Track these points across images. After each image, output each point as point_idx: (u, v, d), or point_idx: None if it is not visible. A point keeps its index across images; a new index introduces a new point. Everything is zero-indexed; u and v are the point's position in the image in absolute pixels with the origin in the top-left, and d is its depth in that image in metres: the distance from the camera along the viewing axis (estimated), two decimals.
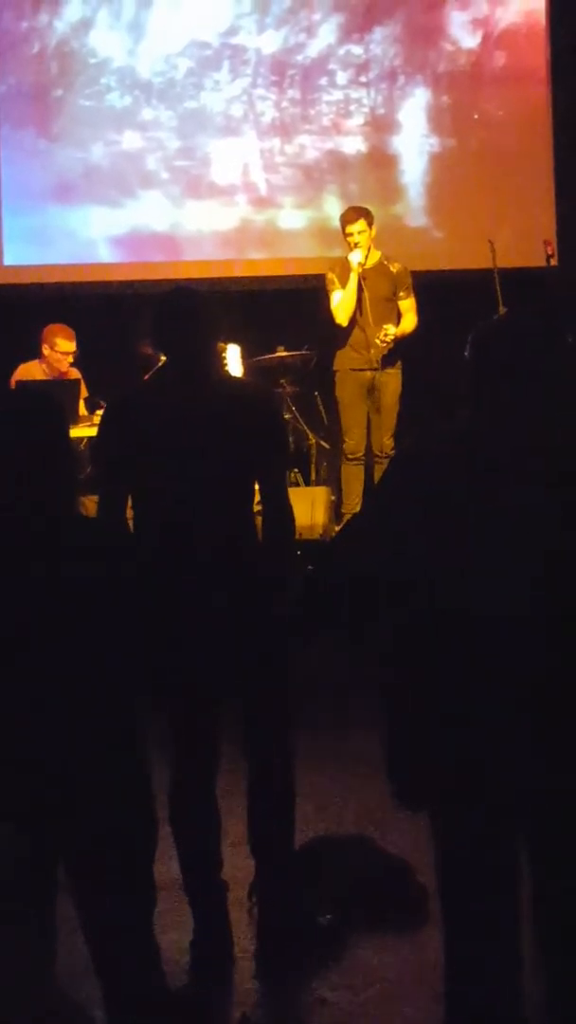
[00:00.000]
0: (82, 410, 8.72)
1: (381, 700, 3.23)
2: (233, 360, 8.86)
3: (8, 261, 10.64)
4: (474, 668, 3.07)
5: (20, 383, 8.70)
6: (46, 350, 8.97)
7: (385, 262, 8.88)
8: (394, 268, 8.88)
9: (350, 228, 8.77)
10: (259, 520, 4.40)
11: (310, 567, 3.92)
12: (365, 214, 8.83)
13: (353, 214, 8.86)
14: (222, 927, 4.41)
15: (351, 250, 8.73)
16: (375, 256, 8.85)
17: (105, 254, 10.71)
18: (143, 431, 4.25)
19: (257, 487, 4.39)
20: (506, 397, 3.17)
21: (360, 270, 8.67)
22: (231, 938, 4.42)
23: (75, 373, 9.10)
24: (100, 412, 5.45)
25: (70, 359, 8.98)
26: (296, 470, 9.24)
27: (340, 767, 5.74)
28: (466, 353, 3.25)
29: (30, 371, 8.92)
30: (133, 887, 3.22)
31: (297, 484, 9.06)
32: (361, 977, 4.27)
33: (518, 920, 3.19)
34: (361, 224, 8.74)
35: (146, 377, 6.00)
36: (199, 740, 4.36)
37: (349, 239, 8.77)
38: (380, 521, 3.29)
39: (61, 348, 8.92)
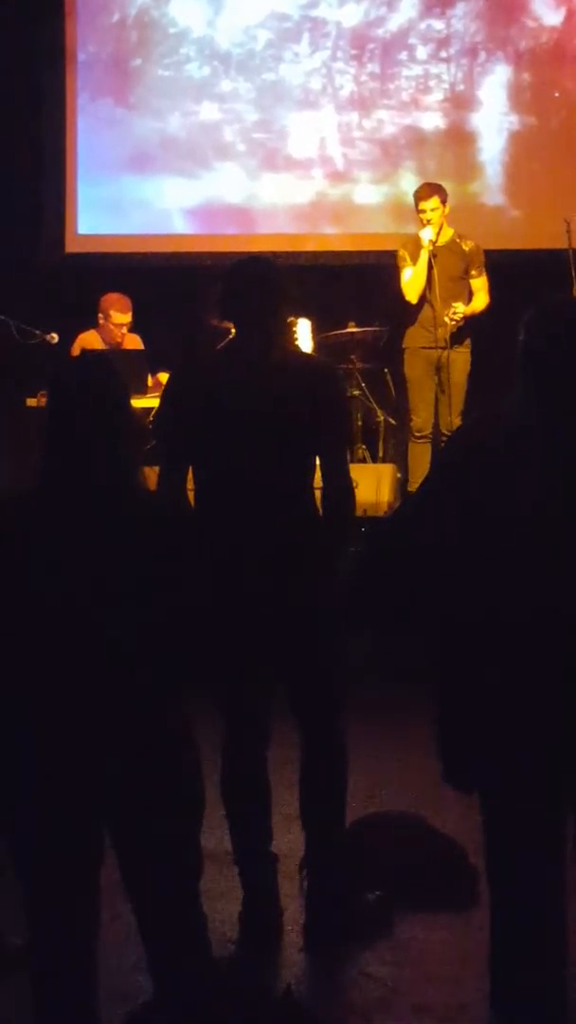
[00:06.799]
0: (149, 381, 8.71)
1: (431, 682, 3.23)
2: (303, 334, 8.84)
3: (82, 230, 10.66)
4: (522, 648, 3.07)
5: (83, 351, 8.71)
6: (101, 320, 8.99)
7: (458, 240, 8.82)
8: (467, 246, 8.83)
9: (423, 205, 8.73)
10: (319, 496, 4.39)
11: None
12: (439, 191, 8.78)
13: (427, 190, 8.82)
14: (271, 899, 4.44)
15: (423, 227, 8.70)
16: (448, 234, 8.79)
17: (179, 225, 10.71)
18: (204, 403, 4.24)
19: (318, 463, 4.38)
20: (550, 378, 3.15)
21: (431, 247, 8.63)
22: (279, 910, 4.45)
23: (134, 342, 9.07)
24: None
25: (124, 330, 8.97)
26: (364, 447, 9.22)
27: (392, 748, 5.75)
28: (519, 335, 3.24)
29: (88, 340, 8.93)
30: (179, 855, 3.24)
31: (365, 461, 9.05)
32: (407, 954, 4.30)
33: (565, 904, 3.19)
34: (434, 201, 8.70)
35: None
36: (251, 713, 4.38)
37: (421, 216, 8.74)
38: (425, 504, 3.29)
39: (115, 320, 8.93)
